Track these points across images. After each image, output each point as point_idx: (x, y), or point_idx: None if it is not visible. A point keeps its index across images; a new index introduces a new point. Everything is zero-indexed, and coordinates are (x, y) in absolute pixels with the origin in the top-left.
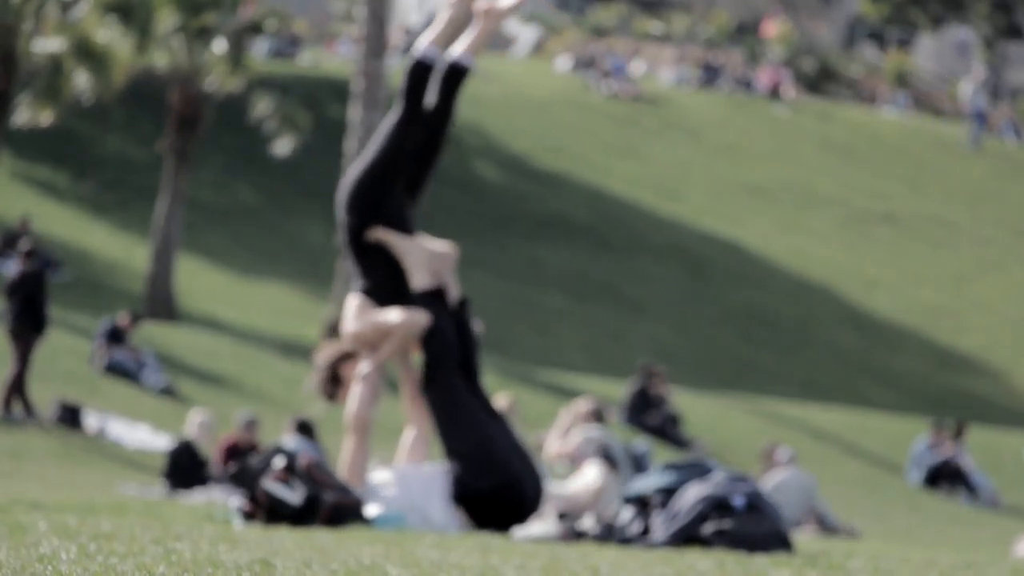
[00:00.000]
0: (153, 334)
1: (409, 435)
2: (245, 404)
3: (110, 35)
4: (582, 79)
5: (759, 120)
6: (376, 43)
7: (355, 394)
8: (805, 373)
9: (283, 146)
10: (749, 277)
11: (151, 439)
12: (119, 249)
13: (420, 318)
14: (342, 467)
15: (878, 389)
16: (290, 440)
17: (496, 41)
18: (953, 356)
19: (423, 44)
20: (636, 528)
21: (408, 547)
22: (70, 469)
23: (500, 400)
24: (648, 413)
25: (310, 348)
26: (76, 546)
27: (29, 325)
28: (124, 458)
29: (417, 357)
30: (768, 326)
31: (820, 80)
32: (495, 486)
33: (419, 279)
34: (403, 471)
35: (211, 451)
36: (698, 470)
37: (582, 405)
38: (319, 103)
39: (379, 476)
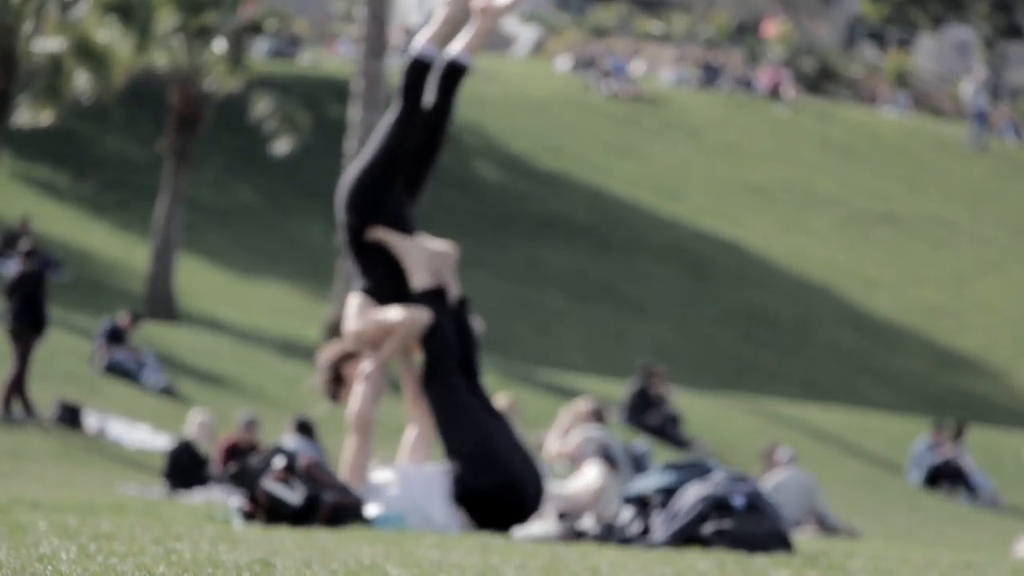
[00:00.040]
0: (153, 334)
1: (411, 434)
2: (245, 404)
3: (110, 35)
4: (582, 79)
5: (759, 120)
6: (376, 43)
7: (357, 393)
8: (805, 373)
9: (283, 146)
10: (749, 277)
11: (151, 439)
12: (119, 249)
13: (422, 316)
14: (343, 466)
15: (878, 389)
16: (290, 440)
17: (496, 41)
18: (953, 356)
19: (420, 42)
20: (636, 528)
21: (408, 547)
22: (70, 469)
23: (500, 400)
24: (648, 413)
25: (310, 348)
26: (76, 546)
27: (29, 325)
28: (124, 458)
29: (418, 356)
30: (768, 326)
31: (820, 80)
32: (496, 486)
33: (419, 279)
34: (404, 471)
35: (211, 451)
36: (698, 470)
37: (582, 405)
38: (319, 103)
39: (380, 476)
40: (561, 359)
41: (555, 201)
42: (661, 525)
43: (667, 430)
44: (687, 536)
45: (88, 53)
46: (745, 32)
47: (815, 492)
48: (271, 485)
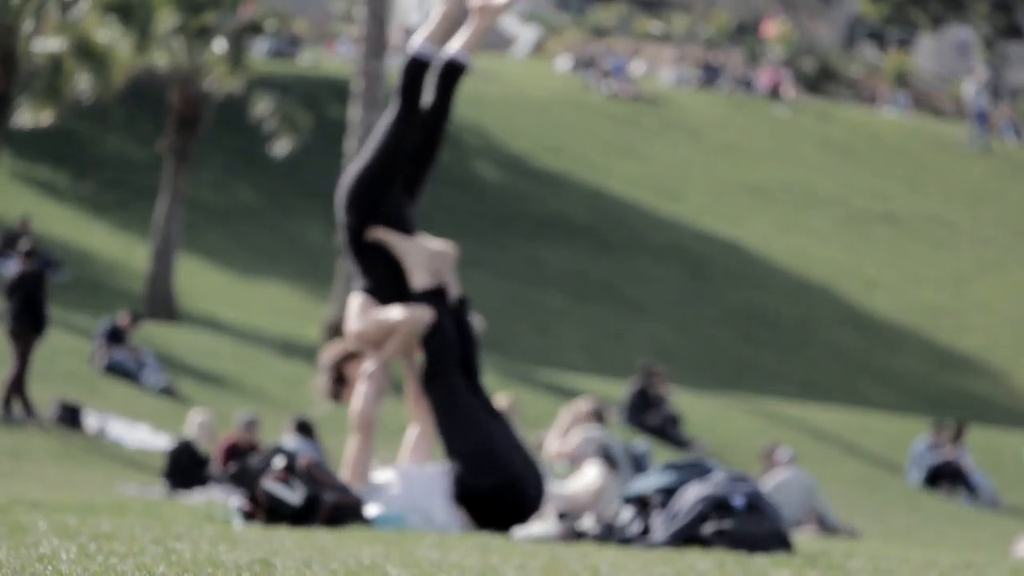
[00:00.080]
0: (153, 334)
1: (413, 433)
2: (245, 404)
3: (110, 35)
4: (582, 79)
5: (759, 120)
6: (376, 43)
7: (360, 392)
8: (805, 373)
9: (283, 146)
10: (749, 277)
11: (151, 439)
12: (119, 249)
13: (423, 315)
14: (345, 466)
15: (878, 389)
16: (290, 440)
17: (496, 41)
18: (953, 356)
19: (418, 41)
20: (636, 528)
21: (408, 547)
22: (70, 469)
23: (500, 400)
24: (648, 413)
25: (310, 348)
26: (76, 546)
27: (29, 325)
28: (124, 458)
29: (419, 356)
30: (768, 326)
31: (820, 80)
32: (496, 485)
33: (419, 278)
34: (406, 470)
35: (211, 451)
36: (698, 470)
37: (582, 405)
38: (319, 103)
39: (382, 475)
40: (561, 359)
41: (555, 201)
42: (661, 525)
43: (667, 430)
44: (687, 536)
45: (88, 53)
46: (745, 32)
47: (815, 492)
48: (271, 485)
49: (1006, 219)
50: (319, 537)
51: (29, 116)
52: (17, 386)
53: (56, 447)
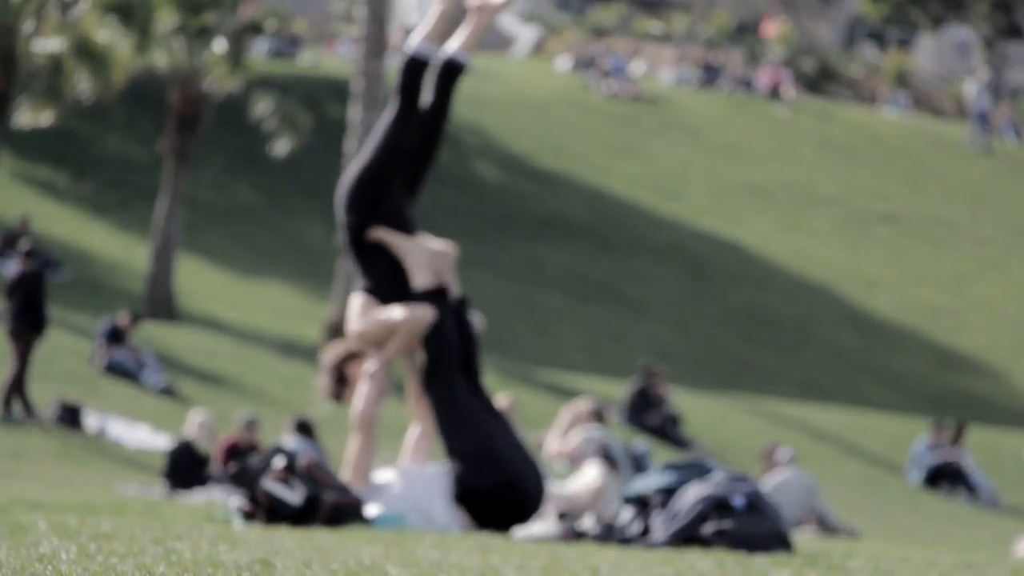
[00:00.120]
0: (153, 334)
1: (414, 433)
2: (245, 404)
3: (110, 35)
4: (582, 79)
5: (759, 120)
6: (376, 43)
7: (361, 392)
8: (805, 373)
9: (283, 146)
10: (749, 277)
11: (151, 439)
12: (119, 249)
13: (425, 314)
14: (346, 465)
15: (878, 389)
16: (290, 440)
17: (496, 41)
18: (953, 356)
19: (416, 40)
20: (636, 528)
21: (408, 547)
22: (70, 469)
23: (500, 400)
24: (648, 413)
25: (310, 348)
26: (76, 546)
27: (29, 325)
28: (124, 458)
29: (420, 356)
30: (768, 326)
31: (820, 80)
32: (496, 485)
33: (420, 278)
34: (406, 470)
35: (211, 451)
36: (698, 470)
37: (582, 405)
38: (319, 103)
39: (382, 475)
40: (561, 359)
41: (555, 201)
42: (661, 525)
43: (667, 430)
44: (687, 536)
45: (88, 53)
46: (745, 32)
47: (815, 492)
48: (271, 485)
49: (1006, 219)
50: (319, 537)
51: (29, 116)
52: (17, 386)
53: (56, 447)
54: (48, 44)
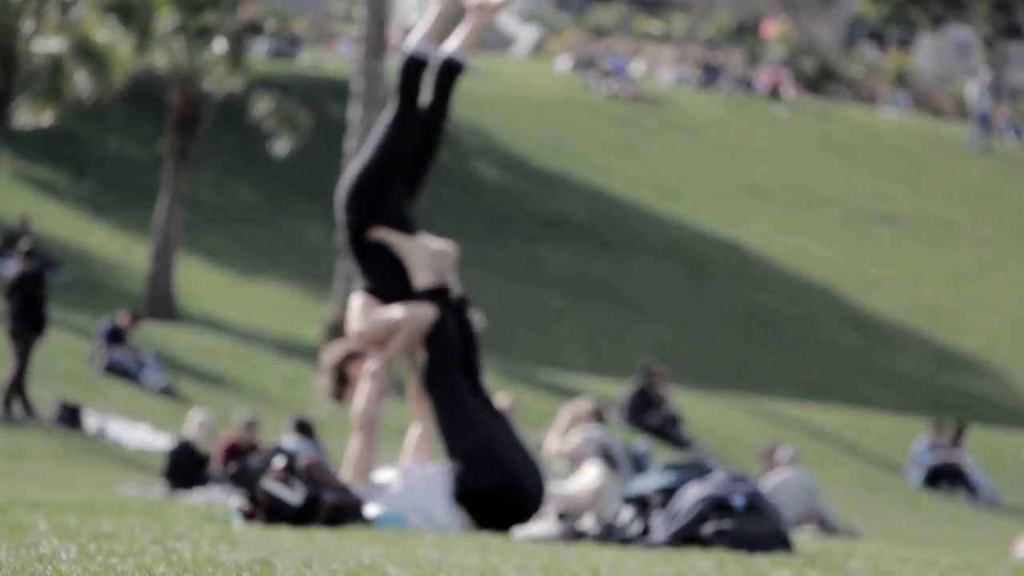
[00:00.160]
0: (153, 334)
1: (415, 433)
2: (245, 404)
3: (110, 35)
4: (582, 79)
5: (759, 120)
6: (376, 43)
7: (362, 391)
8: (805, 373)
9: (282, 146)
10: (749, 277)
11: (151, 439)
12: (119, 249)
13: (426, 312)
14: (347, 465)
15: (878, 389)
16: (290, 440)
17: (496, 41)
18: (953, 356)
19: (414, 39)
20: (636, 528)
21: (408, 547)
22: (70, 469)
23: (501, 400)
24: (648, 413)
25: (310, 348)
26: (76, 546)
27: (29, 325)
28: (124, 458)
29: (421, 355)
30: (768, 326)
31: (820, 80)
32: (496, 485)
33: (422, 277)
34: (407, 470)
35: (211, 451)
36: (698, 470)
37: (582, 405)
38: (319, 103)
39: (383, 475)
40: (561, 359)
41: (555, 201)
42: (661, 525)
43: (667, 430)
44: (687, 536)
45: (88, 53)
46: (745, 32)
47: (815, 492)
48: (271, 485)
49: (1006, 219)
50: (319, 537)
51: (29, 116)
52: (17, 386)
53: (56, 447)
54: (48, 44)
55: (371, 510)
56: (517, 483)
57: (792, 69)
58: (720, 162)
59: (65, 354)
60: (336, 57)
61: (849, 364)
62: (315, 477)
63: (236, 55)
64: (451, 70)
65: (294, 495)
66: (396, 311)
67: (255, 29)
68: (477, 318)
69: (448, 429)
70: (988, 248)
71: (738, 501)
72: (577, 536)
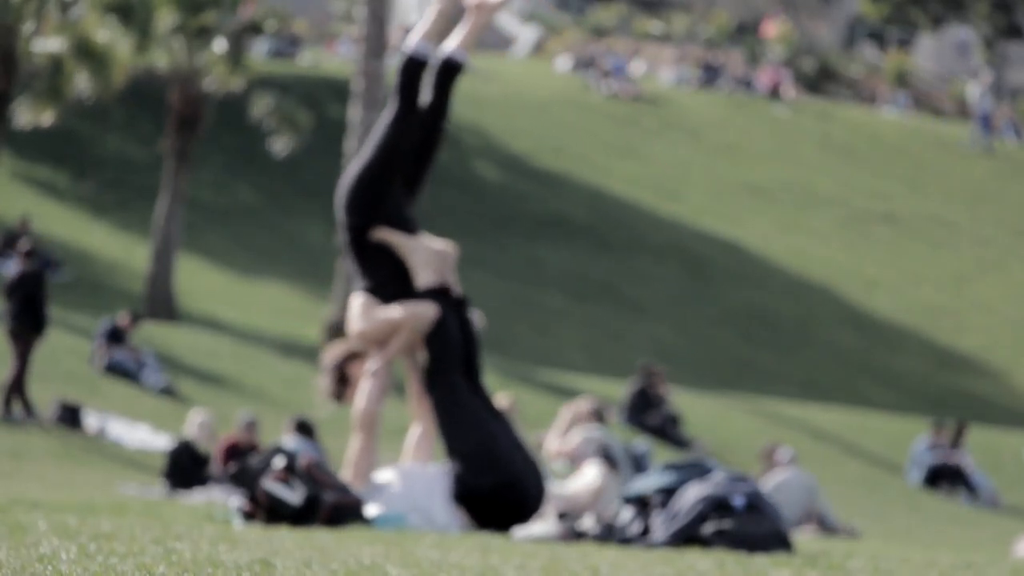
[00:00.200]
0: (153, 334)
1: (415, 432)
2: (245, 404)
3: (110, 35)
4: (582, 79)
5: (759, 120)
6: (376, 43)
7: (363, 390)
8: (805, 373)
9: (282, 146)
10: (749, 277)
11: (151, 439)
12: (119, 249)
13: (428, 310)
14: (347, 465)
15: (878, 389)
16: (290, 440)
17: (496, 41)
18: (953, 356)
19: (414, 40)
20: (636, 528)
21: (408, 547)
22: (70, 469)
23: (501, 400)
24: (648, 413)
25: (310, 348)
26: (76, 546)
27: (29, 325)
28: (124, 458)
29: (422, 355)
30: (768, 326)
31: (820, 80)
32: (496, 485)
33: (424, 276)
34: (406, 470)
35: (211, 451)
36: (698, 470)
37: (582, 405)
38: (319, 103)
39: (382, 475)
40: (561, 359)
41: (555, 201)
42: (661, 525)
43: (667, 430)
44: (687, 536)
45: (88, 53)
46: (745, 32)
47: (815, 492)
48: (271, 485)
49: (1006, 219)
50: (319, 537)
51: (29, 116)
52: (17, 386)
53: (56, 447)
54: (48, 44)
55: (371, 510)
56: (517, 483)
57: (792, 69)
58: (720, 162)
59: (65, 354)
60: (336, 57)
61: (849, 364)
62: (315, 477)
63: (236, 55)
64: (450, 70)
65: (294, 495)
66: (397, 310)
67: (255, 29)
68: (477, 318)
69: (448, 429)
70: (988, 248)
71: (738, 501)
72: (577, 536)
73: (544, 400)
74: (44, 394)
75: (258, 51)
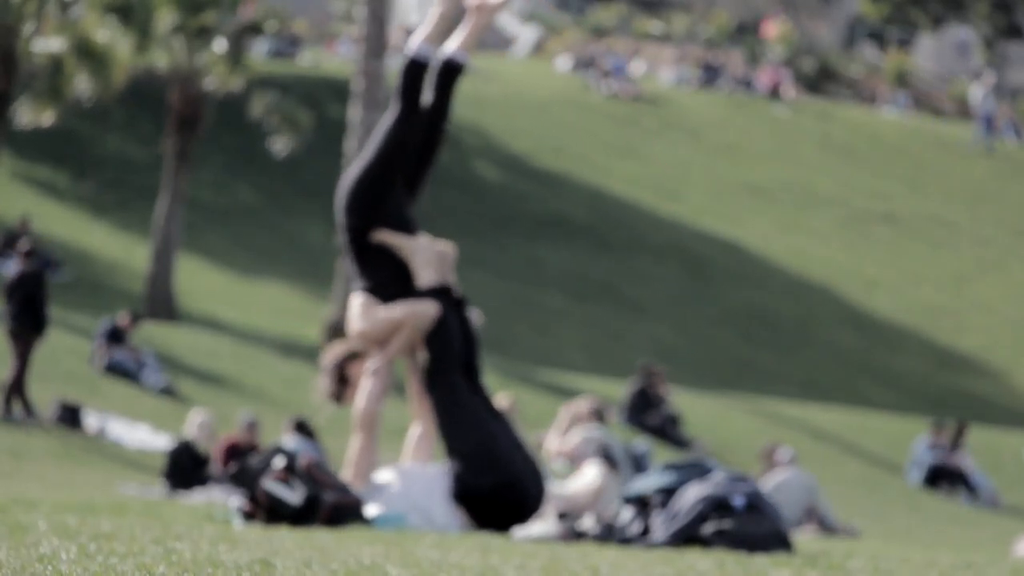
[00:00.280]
0: (153, 334)
1: (415, 433)
2: (245, 404)
3: (110, 35)
4: (582, 79)
5: (759, 120)
6: (376, 43)
7: (363, 389)
8: (805, 373)
9: (282, 146)
10: (749, 277)
11: (151, 439)
12: (119, 249)
13: (428, 309)
14: (347, 465)
15: (878, 389)
16: (290, 440)
17: (496, 41)
18: (953, 356)
19: (416, 42)
20: (636, 528)
21: (408, 547)
22: (70, 469)
23: (501, 400)
24: (648, 413)
25: (310, 348)
26: (76, 546)
27: (29, 325)
28: (124, 458)
29: (422, 354)
30: (768, 326)
31: (820, 80)
32: (496, 485)
33: (426, 276)
34: (406, 470)
35: (211, 451)
36: (698, 470)
37: (582, 405)
38: (319, 103)
39: (382, 475)
40: (561, 359)
41: (555, 201)
42: (661, 525)
43: (667, 430)
44: (687, 536)
45: (88, 53)
46: (745, 32)
47: (815, 492)
48: (271, 485)
49: (1006, 219)
50: (319, 537)
51: (29, 116)
52: (17, 386)
53: (56, 447)
54: (48, 44)
55: (371, 510)
56: (517, 483)
57: (792, 69)
58: (720, 162)
59: (65, 354)
60: (336, 57)
61: (849, 364)
62: (315, 477)
63: (236, 55)
64: (451, 71)
65: (294, 495)
66: (398, 309)
67: (255, 29)
68: (475, 316)
69: (448, 429)
70: (988, 248)
71: (738, 501)
72: (577, 536)
73: (544, 400)
74: (44, 394)
75: (258, 51)
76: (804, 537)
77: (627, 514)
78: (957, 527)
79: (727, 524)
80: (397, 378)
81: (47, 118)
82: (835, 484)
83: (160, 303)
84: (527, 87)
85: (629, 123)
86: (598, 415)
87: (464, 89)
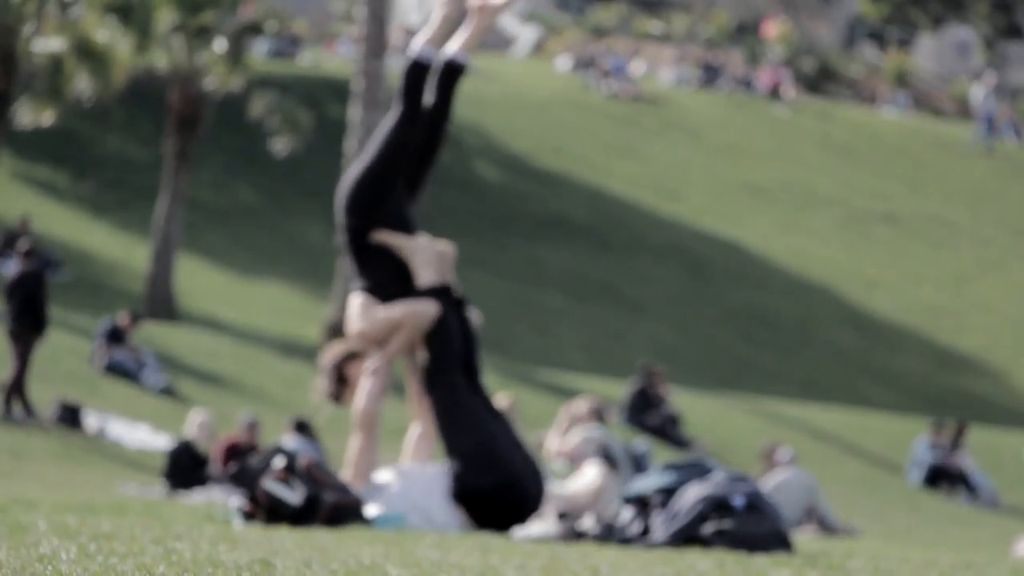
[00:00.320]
0: (153, 334)
1: (415, 432)
2: (245, 404)
3: (110, 35)
4: (582, 79)
5: (759, 120)
6: (376, 43)
7: (363, 389)
8: (805, 373)
9: (282, 146)
10: (749, 277)
11: (151, 439)
12: (119, 249)
13: (429, 308)
14: (347, 465)
15: (878, 389)
16: (290, 440)
17: (496, 41)
18: (953, 356)
19: (418, 44)
20: (636, 528)
21: (408, 547)
22: (70, 469)
23: (501, 400)
24: (648, 413)
25: (310, 348)
26: (76, 546)
27: (29, 325)
28: (124, 458)
29: (422, 354)
30: (768, 326)
31: (820, 80)
32: (496, 485)
33: (426, 276)
34: (405, 470)
35: (211, 451)
36: (698, 470)
37: (582, 405)
38: (319, 103)
39: (382, 475)
40: (561, 359)
41: (555, 201)
42: (661, 525)
43: (667, 430)
44: (687, 536)
45: (88, 53)
46: (745, 32)
47: (815, 492)
48: (271, 485)
49: (1006, 219)
50: (319, 537)
51: (29, 116)
52: (17, 386)
53: (56, 447)
54: (48, 44)
55: (371, 510)
56: (517, 483)
57: (792, 69)
58: (720, 162)
59: (65, 354)
60: (336, 57)
61: (849, 364)
62: (315, 477)
63: (236, 55)
64: (453, 71)
65: (294, 495)
66: (398, 309)
67: (255, 29)
68: (475, 316)
69: (448, 429)
70: (988, 248)
71: (738, 501)
72: (577, 536)
73: (544, 400)
74: (44, 394)
75: (258, 51)
76: (804, 537)
77: (627, 514)
78: (957, 527)
79: (727, 524)
80: (396, 378)
81: (47, 118)
82: (835, 484)
83: (160, 303)
84: (527, 87)
85: (629, 123)
86: (598, 415)
87: (464, 89)
